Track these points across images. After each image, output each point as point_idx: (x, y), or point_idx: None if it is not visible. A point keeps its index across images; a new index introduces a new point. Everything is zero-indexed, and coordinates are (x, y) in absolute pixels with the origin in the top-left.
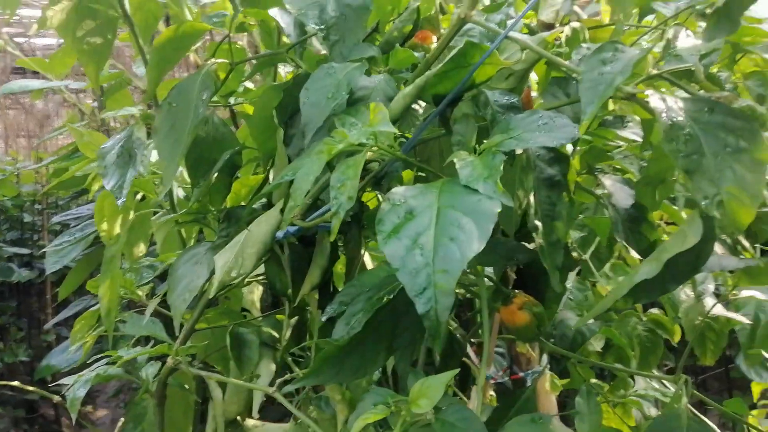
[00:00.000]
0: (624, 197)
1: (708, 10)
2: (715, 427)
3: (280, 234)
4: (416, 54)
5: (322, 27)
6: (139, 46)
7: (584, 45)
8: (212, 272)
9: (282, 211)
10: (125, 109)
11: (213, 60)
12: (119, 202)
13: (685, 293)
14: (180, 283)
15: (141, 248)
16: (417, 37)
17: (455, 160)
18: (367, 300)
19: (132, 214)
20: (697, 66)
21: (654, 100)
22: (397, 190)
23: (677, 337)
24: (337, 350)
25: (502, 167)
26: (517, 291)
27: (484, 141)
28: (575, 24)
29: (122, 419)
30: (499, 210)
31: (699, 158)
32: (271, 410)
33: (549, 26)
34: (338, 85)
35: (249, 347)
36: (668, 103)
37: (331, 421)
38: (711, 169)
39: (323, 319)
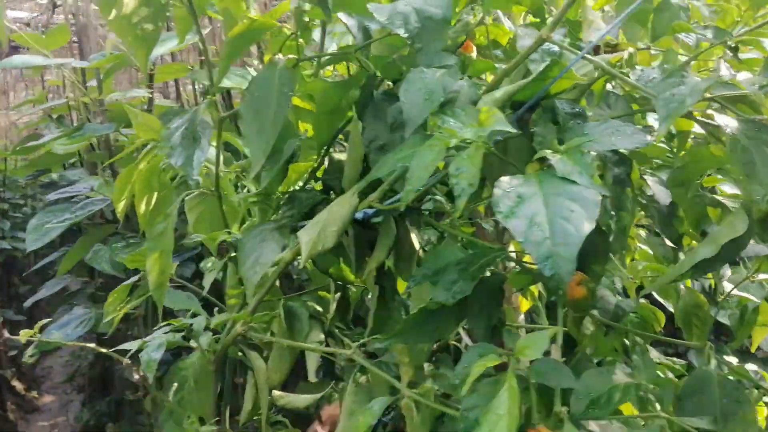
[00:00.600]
0: (663, 196)
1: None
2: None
3: (359, 215)
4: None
5: (407, 36)
6: (200, 33)
7: (638, 67)
8: (283, 247)
9: (360, 194)
10: (134, 91)
11: (281, 56)
12: (192, 179)
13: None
14: (249, 258)
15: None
16: (462, 47)
17: (548, 157)
18: (461, 271)
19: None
20: (758, 94)
21: (720, 118)
22: (504, 180)
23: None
24: (420, 316)
25: (593, 163)
26: None
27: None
28: (630, 50)
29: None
30: (600, 198)
31: (752, 166)
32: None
33: (612, 48)
34: (433, 88)
35: (300, 319)
36: (727, 122)
37: (386, 384)
38: (761, 174)
39: (413, 284)
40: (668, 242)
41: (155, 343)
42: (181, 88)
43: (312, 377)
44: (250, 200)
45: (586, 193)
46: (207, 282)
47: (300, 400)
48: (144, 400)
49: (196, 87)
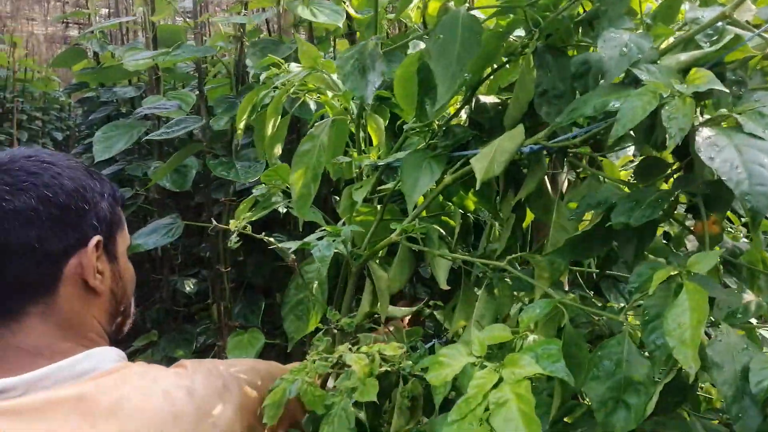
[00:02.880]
0: None
1: None
2: None
3: (526, 149)
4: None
5: None
6: None
7: None
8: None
9: (525, 131)
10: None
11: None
12: (368, 101)
13: None
14: (410, 178)
15: (278, 149)
16: None
17: (732, 115)
18: (637, 201)
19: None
20: None
21: None
22: (703, 130)
23: None
24: (578, 237)
25: None
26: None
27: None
28: None
29: None
30: None
31: None
32: None
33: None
34: (630, 46)
35: (431, 237)
36: None
37: (510, 297)
38: None
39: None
40: None
41: (324, 243)
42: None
43: (443, 285)
44: (412, 129)
45: None
46: (359, 196)
47: (399, 311)
48: (211, 308)
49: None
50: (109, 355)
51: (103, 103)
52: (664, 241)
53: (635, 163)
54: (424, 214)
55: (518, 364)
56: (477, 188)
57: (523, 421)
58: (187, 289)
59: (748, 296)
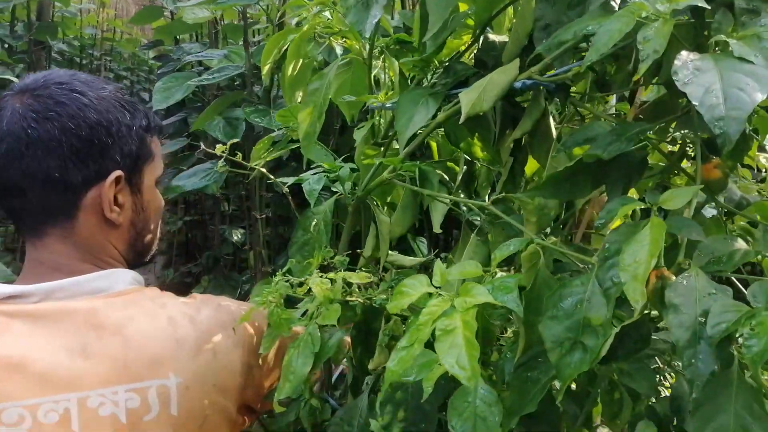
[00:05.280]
0: None
1: None
2: None
3: (518, 84)
4: None
5: None
6: None
7: None
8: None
9: (520, 67)
10: None
11: None
12: (366, 35)
13: None
14: (404, 116)
15: (299, 94)
16: None
17: (725, 39)
18: (617, 135)
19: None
20: None
21: None
22: (683, 53)
23: None
24: (559, 175)
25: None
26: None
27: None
28: None
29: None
30: None
31: None
32: None
33: None
34: None
35: (431, 181)
36: None
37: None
38: None
39: (562, 149)
40: None
41: (315, 177)
42: None
43: (436, 228)
44: (410, 65)
45: (761, 71)
46: (359, 135)
47: (406, 260)
48: (248, 255)
49: None
50: (124, 278)
51: (172, 61)
52: None
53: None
54: (436, 158)
55: (470, 293)
56: (461, 122)
57: (465, 348)
58: (234, 238)
59: (738, 244)
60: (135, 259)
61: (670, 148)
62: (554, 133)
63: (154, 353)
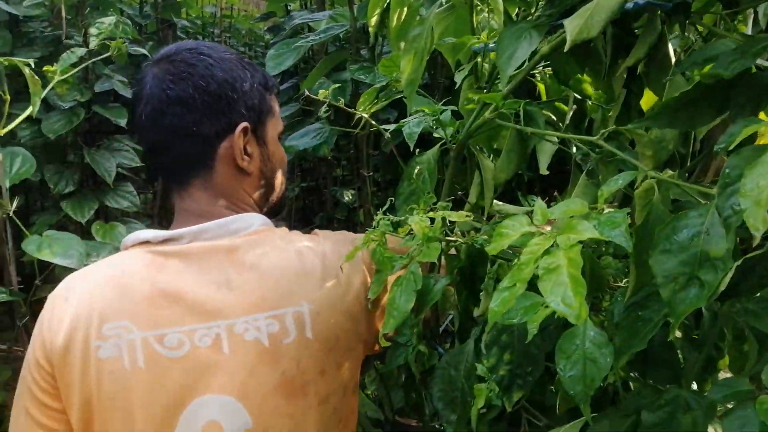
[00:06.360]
0: None
1: None
2: None
3: (629, 5)
4: None
5: None
6: None
7: None
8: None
9: None
10: None
11: None
12: None
13: None
14: (506, 52)
15: (402, 44)
16: None
17: None
18: (741, 53)
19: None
20: None
21: None
22: None
23: None
24: (676, 102)
25: None
26: None
27: None
28: None
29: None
30: None
31: None
32: None
33: None
34: None
35: (536, 121)
36: None
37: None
38: None
39: (678, 71)
40: None
41: (415, 121)
42: None
43: (543, 170)
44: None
45: None
46: (460, 78)
47: (512, 208)
48: (358, 212)
49: None
50: (257, 220)
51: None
52: None
53: None
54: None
55: (574, 230)
56: (566, 50)
57: (571, 285)
58: (346, 198)
59: None
60: (267, 210)
61: None
62: (673, 59)
63: (286, 284)
